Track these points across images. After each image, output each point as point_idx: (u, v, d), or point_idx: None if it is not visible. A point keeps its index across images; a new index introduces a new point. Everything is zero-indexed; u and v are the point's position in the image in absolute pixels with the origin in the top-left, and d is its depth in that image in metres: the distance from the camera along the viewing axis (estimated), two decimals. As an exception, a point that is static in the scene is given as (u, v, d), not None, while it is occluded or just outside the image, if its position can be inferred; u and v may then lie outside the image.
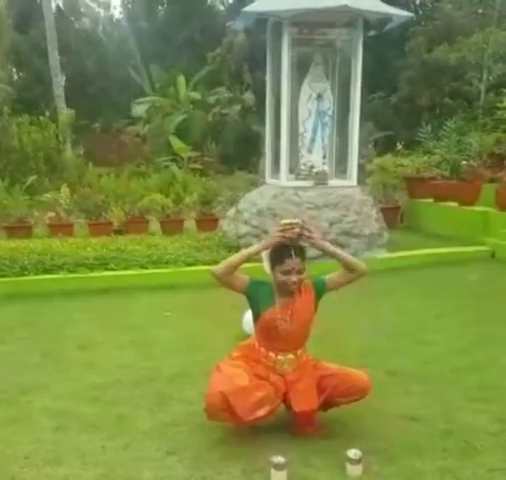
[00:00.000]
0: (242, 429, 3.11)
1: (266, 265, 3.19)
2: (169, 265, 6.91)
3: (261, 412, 2.97)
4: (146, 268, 6.84)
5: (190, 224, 9.57)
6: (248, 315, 3.23)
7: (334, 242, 7.34)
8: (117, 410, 3.48)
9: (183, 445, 3.07)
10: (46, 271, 6.57)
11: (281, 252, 3.06)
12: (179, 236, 8.44)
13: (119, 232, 8.90)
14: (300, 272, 3.06)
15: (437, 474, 2.78)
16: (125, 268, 6.80)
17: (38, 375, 4.07)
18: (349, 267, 3.15)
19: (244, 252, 3.12)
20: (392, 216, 9.70)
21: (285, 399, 3.10)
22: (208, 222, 9.30)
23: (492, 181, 9.29)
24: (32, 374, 4.10)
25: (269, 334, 3.10)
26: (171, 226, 9.16)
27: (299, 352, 3.15)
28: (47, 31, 17.90)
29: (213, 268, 3.12)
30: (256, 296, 3.12)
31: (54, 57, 17.95)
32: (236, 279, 3.11)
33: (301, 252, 3.08)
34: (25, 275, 6.46)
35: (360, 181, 8.34)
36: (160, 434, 3.19)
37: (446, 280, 6.99)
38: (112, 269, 6.75)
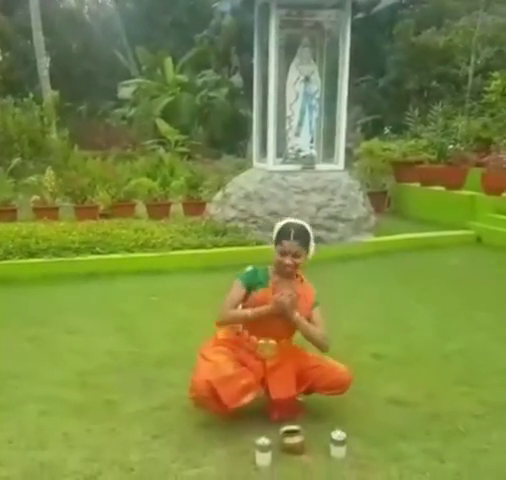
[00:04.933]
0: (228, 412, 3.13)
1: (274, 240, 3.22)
2: (156, 249, 6.88)
3: (246, 399, 2.99)
4: (132, 252, 6.80)
5: (177, 208, 9.52)
6: None
7: (321, 226, 7.37)
8: (103, 395, 3.47)
9: (169, 428, 3.07)
10: (31, 255, 6.52)
11: (282, 232, 3.11)
12: (166, 220, 8.42)
13: (105, 216, 8.85)
14: (296, 256, 3.08)
15: (421, 456, 2.81)
16: (111, 252, 6.75)
17: (23, 360, 4.05)
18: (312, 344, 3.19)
19: (248, 313, 3.06)
20: (379, 200, 9.71)
21: (263, 384, 3.11)
22: (195, 206, 9.26)
23: (478, 165, 9.33)
24: (17, 359, 4.07)
25: None
26: (158, 210, 9.11)
27: (283, 341, 3.16)
28: (31, 11, 17.55)
29: (218, 320, 3.15)
30: (253, 283, 3.14)
31: (38, 38, 17.63)
32: (237, 303, 3.13)
33: (301, 235, 3.10)
34: (9, 259, 6.41)
35: (347, 165, 8.34)
36: (146, 418, 3.19)
37: (432, 264, 7.03)
38: (98, 253, 6.70)
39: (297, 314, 3.06)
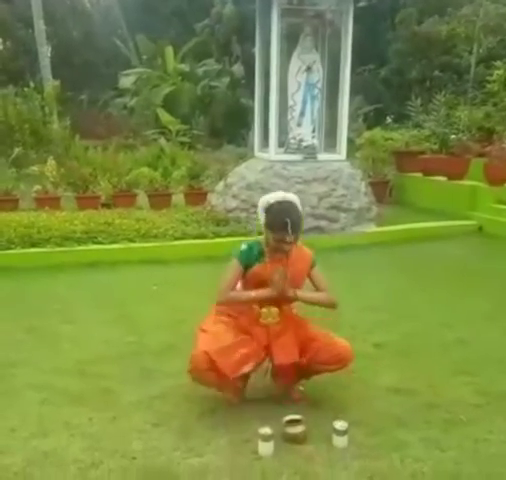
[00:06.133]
0: (230, 399, 3.15)
1: (261, 216, 3.19)
2: (157, 239, 6.88)
3: (246, 368, 3.00)
4: (134, 242, 6.81)
5: (178, 198, 9.52)
6: None
7: (323, 216, 7.37)
8: (103, 384, 3.48)
9: (170, 417, 3.08)
10: (33, 245, 6.53)
11: (278, 224, 3.03)
12: (167, 210, 8.41)
13: (107, 206, 8.85)
14: (293, 241, 3.10)
15: (422, 445, 2.82)
16: (113, 242, 6.76)
17: (24, 349, 4.06)
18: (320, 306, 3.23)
19: (252, 295, 3.08)
20: (381, 190, 9.69)
21: (267, 351, 3.09)
22: (196, 196, 9.25)
23: (481, 155, 9.29)
24: (18, 348, 4.08)
25: (255, 286, 3.10)
26: (159, 200, 9.09)
27: (285, 307, 3.16)
28: (32, 0, 17.49)
29: (218, 299, 3.12)
30: (251, 260, 3.12)
31: (39, 27, 17.54)
32: (236, 283, 3.13)
33: (298, 224, 3.08)
34: (11, 249, 6.42)
35: (349, 155, 8.31)
36: (147, 406, 3.20)
37: (433, 254, 7.03)
38: (100, 243, 6.72)
39: (294, 291, 3.07)
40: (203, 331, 3.08)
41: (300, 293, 3.13)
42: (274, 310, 3.11)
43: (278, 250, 3.11)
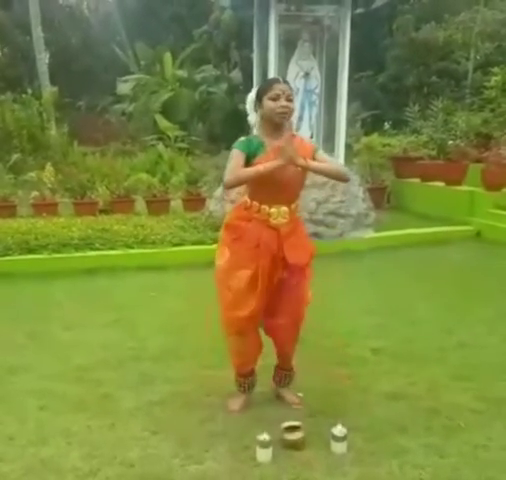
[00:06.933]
0: (230, 406, 3.15)
1: (250, 112, 3.12)
2: (155, 245, 6.87)
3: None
4: (132, 248, 6.79)
5: (176, 204, 9.52)
6: None
7: (321, 222, 7.37)
8: (102, 390, 3.47)
9: (169, 424, 3.07)
10: (30, 251, 6.51)
11: (269, 80, 3.11)
12: (165, 216, 8.41)
13: (105, 212, 8.85)
14: (289, 99, 2.98)
15: (421, 451, 2.81)
16: (111, 248, 6.75)
17: (22, 355, 4.05)
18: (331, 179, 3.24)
19: (260, 168, 2.91)
20: (379, 196, 9.70)
21: (280, 252, 3.04)
22: (195, 202, 9.25)
23: (478, 161, 9.31)
24: (16, 354, 4.07)
25: (262, 183, 2.98)
26: (157, 206, 9.10)
27: (293, 206, 3.09)
28: (30, 7, 17.52)
29: (225, 182, 2.99)
30: (251, 149, 3.01)
31: (38, 33, 17.58)
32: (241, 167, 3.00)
33: (289, 85, 3.05)
34: (9, 255, 6.40)
35: (347, 160, 8.33)
36: (146, 413, 3.19)
37: (432, 260, 7.03)
38: (97, 249, 6.70)
39: (304, 159, 2.93)
40: (224, 286, 3.07)
41: (310, 161, 2.98)
42: (283, 209, 3.04)
43: (276, 117, 2.97)
